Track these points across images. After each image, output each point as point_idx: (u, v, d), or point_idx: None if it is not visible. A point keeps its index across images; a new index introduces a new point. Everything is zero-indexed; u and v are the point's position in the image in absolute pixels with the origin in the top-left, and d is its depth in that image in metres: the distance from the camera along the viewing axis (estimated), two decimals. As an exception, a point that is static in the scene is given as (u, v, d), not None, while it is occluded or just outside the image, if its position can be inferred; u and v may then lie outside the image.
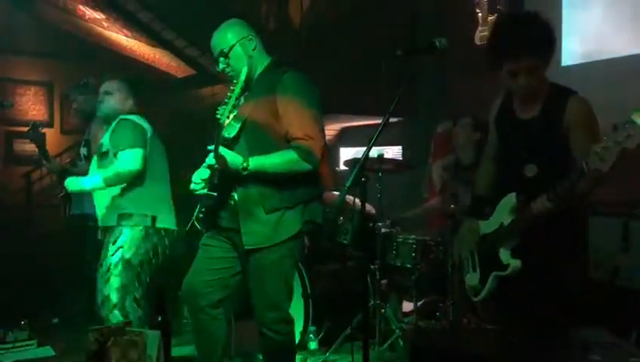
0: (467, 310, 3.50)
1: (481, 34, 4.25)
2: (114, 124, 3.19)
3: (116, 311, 3.03)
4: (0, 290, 4.00)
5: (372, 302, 3.66)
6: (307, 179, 2.48)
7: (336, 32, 5.06)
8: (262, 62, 2.60)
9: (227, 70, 2.55)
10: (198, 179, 2.47)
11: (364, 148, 2.20)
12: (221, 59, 2.55)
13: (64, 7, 5.23)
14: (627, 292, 3.24)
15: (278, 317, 2.53)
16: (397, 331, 3.62)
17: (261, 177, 2.41)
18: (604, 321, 2.97)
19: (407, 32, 4.67)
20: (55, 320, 4.43)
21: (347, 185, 2.20)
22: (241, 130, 2.46)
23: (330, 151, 6.60)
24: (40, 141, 3.68)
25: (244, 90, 2.45)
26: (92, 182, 3.16)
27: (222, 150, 2.32)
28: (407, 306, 4.00)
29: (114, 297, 3.04)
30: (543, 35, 2.20)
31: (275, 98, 2.44)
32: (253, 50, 2.57)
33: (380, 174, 3.78)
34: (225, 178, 2.44)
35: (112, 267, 3.06)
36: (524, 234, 2.27)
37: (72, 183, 3.21)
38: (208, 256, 2.61)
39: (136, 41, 5.43)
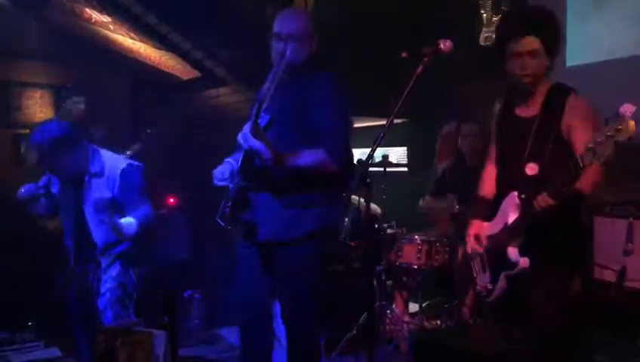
0: (473, 310, 3.50)
1: (485, 35, 4.24)
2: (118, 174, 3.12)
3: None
4: (7, 292, 4.02)
5: (377, 303, 3.67)
6: (328, 180, 2.39)
7: (340, 33, 5.06)
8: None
9: (280, 52, 2.42)
10: (221, 174, 2.43)
11: (369, 150, 2.21)
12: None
13: (70, 10, 5.25)
14: (634, 294, 3.23)
15: (310, 328, 2.43)
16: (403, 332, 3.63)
17: (285, 172, 2.34)
18: (610, 322, 2.97)
19: (411, 33, 4.67)
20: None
21: (352, 186, 2.21)
22: (269, 123, 2.41)
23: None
24: None
25: (286, 73, 2.37)
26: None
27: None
28: (413, 307, 4.00)
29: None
30: (547, 19, 2.31)
31: (306, 95, 2.40)
32: (314, 49, 2.51)
33: (385, 175, 3.80)
34: (251, 169, 2.38)
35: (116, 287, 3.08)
36: (529, 234, 2.28)
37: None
38: (249, 267, 2.52)
39: (142, 44, 5.45)
